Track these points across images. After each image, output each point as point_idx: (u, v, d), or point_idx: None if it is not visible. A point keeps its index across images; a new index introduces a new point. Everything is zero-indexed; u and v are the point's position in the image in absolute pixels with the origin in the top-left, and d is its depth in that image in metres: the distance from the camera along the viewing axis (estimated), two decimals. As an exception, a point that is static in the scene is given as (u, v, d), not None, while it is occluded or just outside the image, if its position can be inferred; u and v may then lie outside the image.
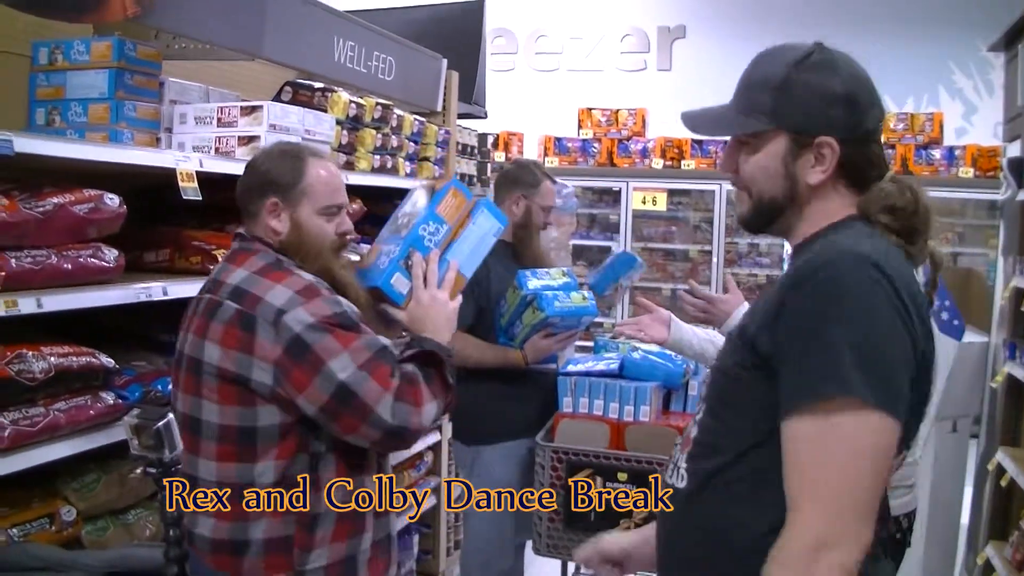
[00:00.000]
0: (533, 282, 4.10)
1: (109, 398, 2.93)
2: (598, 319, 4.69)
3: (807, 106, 1.91)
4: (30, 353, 2.70)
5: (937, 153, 10.25)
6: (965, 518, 5.24)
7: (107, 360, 2.94)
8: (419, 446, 5.01)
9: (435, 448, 5.30)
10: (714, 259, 10.69)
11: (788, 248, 2.11)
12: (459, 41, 6.34)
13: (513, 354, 4.20)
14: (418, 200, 2.96)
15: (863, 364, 1.68)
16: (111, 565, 1.95)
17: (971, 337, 5.04)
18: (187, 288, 3.13)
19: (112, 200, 2.97)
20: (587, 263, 11.23)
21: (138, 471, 2.91)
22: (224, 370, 2.52)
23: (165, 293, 3.07)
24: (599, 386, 3.91)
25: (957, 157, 10.16)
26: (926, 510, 4.92)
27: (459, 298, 2.85)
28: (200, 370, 2.56)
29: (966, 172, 10.05)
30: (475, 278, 4.05)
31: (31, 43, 3.35)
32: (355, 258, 3.00)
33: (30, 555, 2.04)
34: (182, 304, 3.09)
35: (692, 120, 2.05)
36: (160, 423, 1.68)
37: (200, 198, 3.12)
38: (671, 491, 2.03)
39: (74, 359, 2.82)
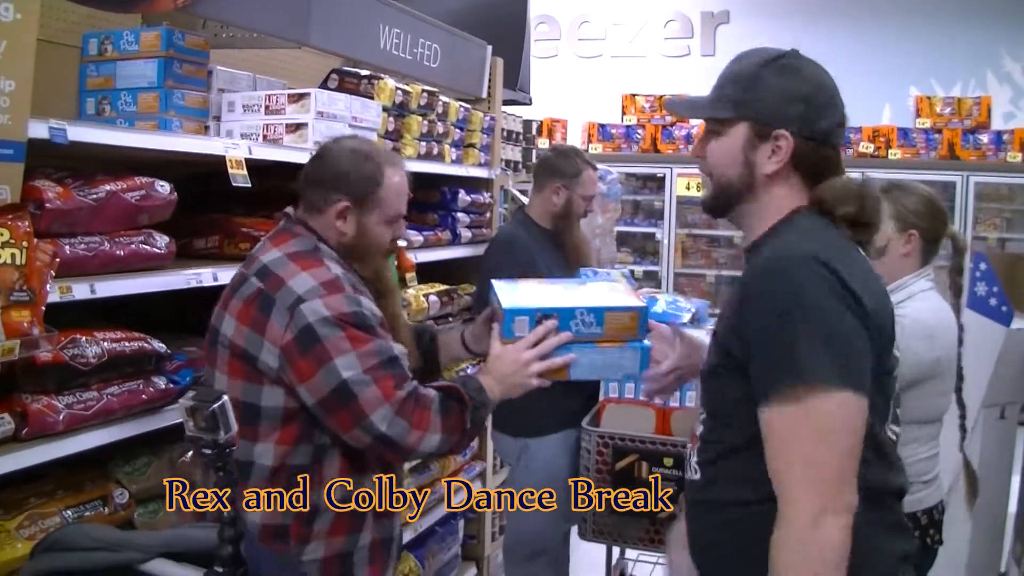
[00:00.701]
0: None
1: (161, 383, 2.96)
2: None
3: (769, 101, 2.10)
4: (84, 338, 2.74)
5: (985, 138, 10.15)
6: (1013, 506, 5.19)
7: (159, 345, 2.97)
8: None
9: (481, 434, 5.31)
10: (758, 245, 10.62)
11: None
12: (503, 28, 6.35)
13: None
14: (608, 293, 2.94)
15: (823, 352, 1.88)
16: (167, 545, 1.98)
17: (1020, 323, 4.99)
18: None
19: (163, 187, 3.01)
20: (631, 250, 11.21)
21: (188, 455, 2.94)
22: (235, 344, 2.57)
23: (215, 279, 3.10)
24: (645, 372, 3.91)
25: (1005, 142, 10.05)
26: (973, 497, 4.88)
27: (541, 382, 2.76)
28: (216, 340, 2.62)
29: (1014, 157, 9.94)
30: (525, 268, 4.07)
31: (82, 35, 3.39)
32: (402, 243, 3.02)
33: (86, 535, 2.08)
34: (231, 290, 3.13)
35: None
36: (215, 405, 1.71)
37: (249, 185, 3.14)
38: (688, 484, 2.25)
39: (126, 344, 2.86)
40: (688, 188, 10.77)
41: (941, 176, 9.73)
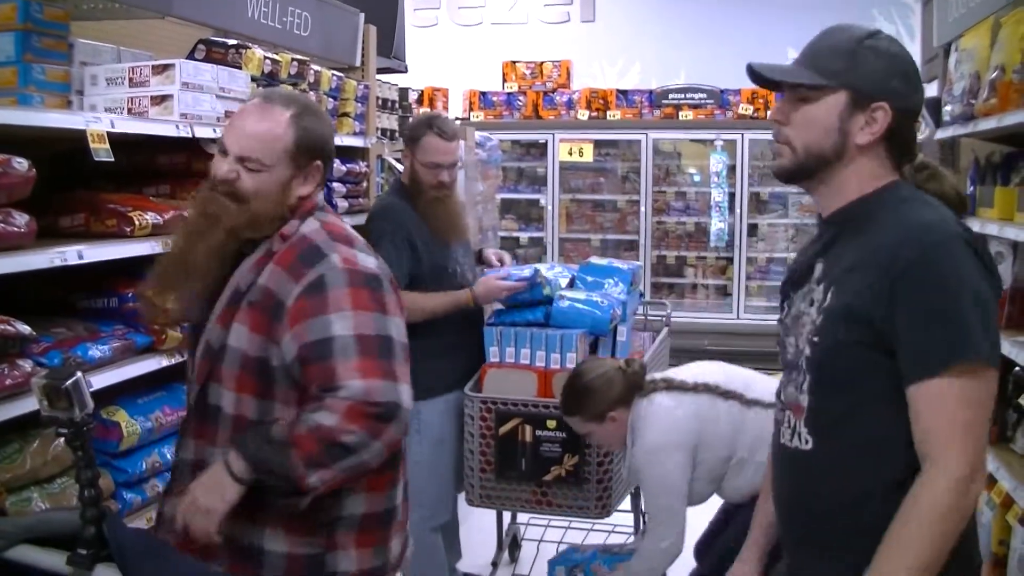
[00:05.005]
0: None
1: (27, 365, 2.87)
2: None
3: (872, 73, 2.14)
4: (-61, 322, 2.65)
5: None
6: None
7: (23, 327, 2.88)
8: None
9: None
10: (642, 208, 10.71)
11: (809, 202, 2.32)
12: (376, -5, 6.29)
13: (462, 295, 4.14)
14: None
15: (985, 333, 2.00)
16: (29, 530, 1.92)
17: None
18: (103, 251, 3.08)
19: (20, 164, 2.90)
20: (516, 217, 11.24)
21: (60, 440, 2.86)
22: None
23: (80, 257, 3.01)
24: (525, 335, 3.93)
25: (880, 100, 10.24)
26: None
27: None
28: None
29: (889, 113, 10.15)
30: (404, 232, 4.03)
31: (-69, 6, 3.28)
32: None
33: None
34: (99, 268, 3.05)
35: (761, 68, 2.24)
36: (68, 382, 1.65)
37: (112, 159, 3.06)
38: (790, 453, 2.25)
39: (-13, 327, 2.78)
40: (571, 154, 10.79)
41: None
